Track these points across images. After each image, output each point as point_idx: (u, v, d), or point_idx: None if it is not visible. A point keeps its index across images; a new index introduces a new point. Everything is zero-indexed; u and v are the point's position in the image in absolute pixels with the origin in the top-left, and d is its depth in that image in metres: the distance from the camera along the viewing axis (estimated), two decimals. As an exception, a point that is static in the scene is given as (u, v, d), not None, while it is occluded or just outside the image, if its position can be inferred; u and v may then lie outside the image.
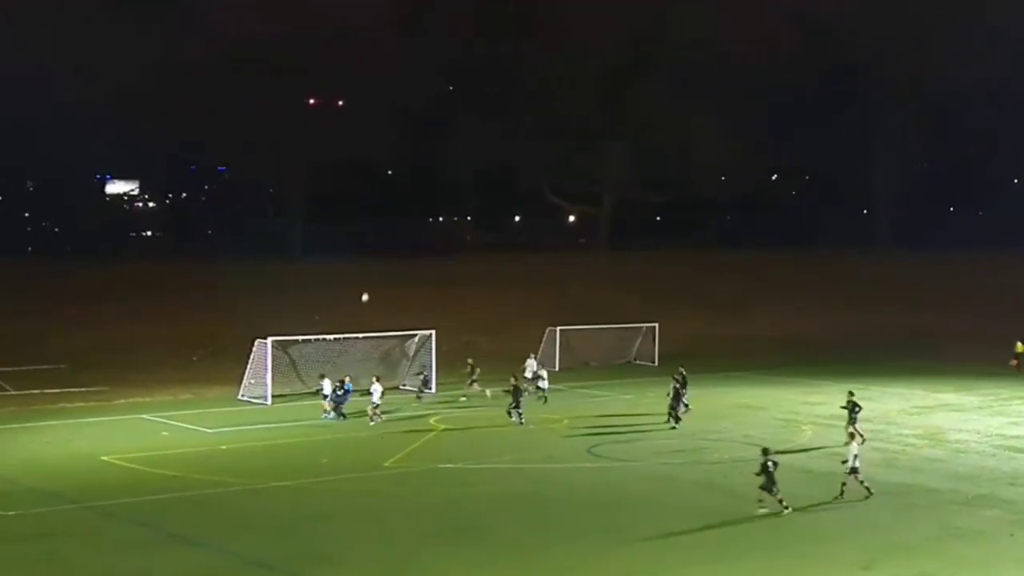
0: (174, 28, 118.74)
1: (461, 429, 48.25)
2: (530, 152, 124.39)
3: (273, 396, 54.45)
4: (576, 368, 66.64)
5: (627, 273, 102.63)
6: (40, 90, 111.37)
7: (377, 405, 48.59)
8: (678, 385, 48.78)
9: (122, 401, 55.09)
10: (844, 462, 35.73)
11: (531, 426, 48.50)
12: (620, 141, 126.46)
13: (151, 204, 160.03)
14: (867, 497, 35.31)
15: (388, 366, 58.01)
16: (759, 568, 29.61)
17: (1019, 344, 67.08)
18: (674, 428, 47.35)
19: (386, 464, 41.32)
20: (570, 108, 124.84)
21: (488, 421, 49.50)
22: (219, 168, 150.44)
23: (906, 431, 47.97)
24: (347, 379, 50.48)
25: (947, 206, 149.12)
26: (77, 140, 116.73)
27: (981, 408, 54.36)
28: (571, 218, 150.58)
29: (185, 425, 49.01)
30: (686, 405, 49.05)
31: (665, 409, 48.30)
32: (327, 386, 50.15)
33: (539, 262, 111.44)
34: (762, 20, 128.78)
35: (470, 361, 56.89)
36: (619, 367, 67.86)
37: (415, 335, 59.75)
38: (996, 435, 47.18)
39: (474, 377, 55.56)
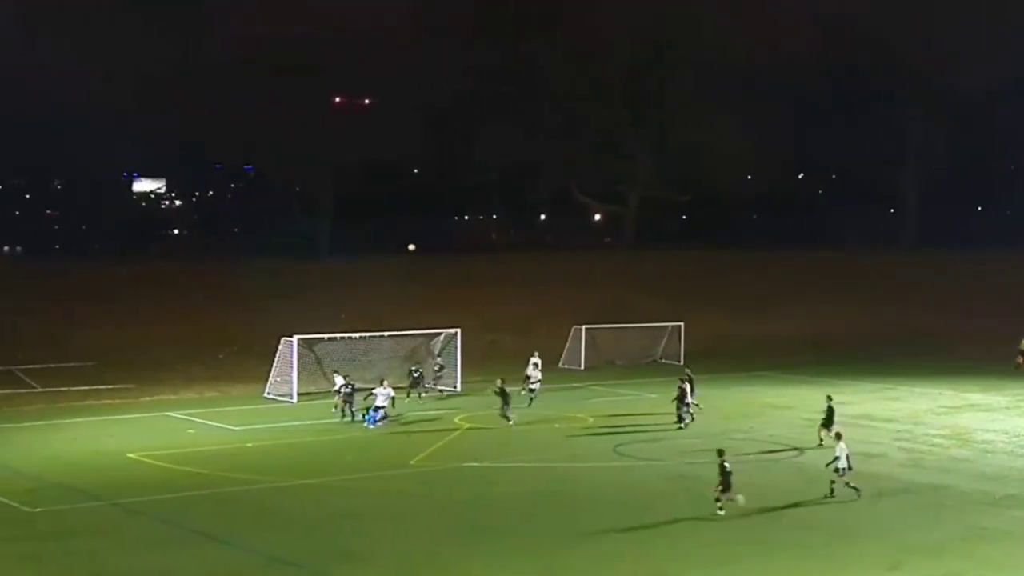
0: (201, 28, 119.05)
1: (486, 428, 48.13)
2: (554, 151, 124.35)
3: (299, 394, 54.50)
4: (602, 367, 66.44)
5: (652, 272, 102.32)
6: (66, 89, 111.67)
7: (379, 407, 47.53)
8: (684, 387, 48.61)
9: (148, 399, 55.22)
10: (833, 460, 35.40)
11: (556, 425, 48.50)
12: (644, 140, 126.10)
13: (177, 202, 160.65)
14: (853, 498, 35.14)
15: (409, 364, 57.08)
16: (787, 568, 29.59)
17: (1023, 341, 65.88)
18: (680, 428, 47.14)
19: (411, 462, 41.34)
20: (594, 107, 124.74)
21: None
22: (245, 167, 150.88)
23: (933, 431, 47.70)
24: (345, 377, 49.86)
25: (974, 205, 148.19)
26: (104, 139, 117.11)
27: (1009, 408, 53.90)
28: (597, 217, 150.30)
29: (211, 423, 49.12)
30: (696, 405, 48.85)
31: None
32: (339, 381, 49.81)
33: (564, 261, 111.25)
34: (786, 19, 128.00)
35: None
36: (645, 366, 67.69)
37: (440, 334, 59.75)
38: (1024, 435, 46.87)
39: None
